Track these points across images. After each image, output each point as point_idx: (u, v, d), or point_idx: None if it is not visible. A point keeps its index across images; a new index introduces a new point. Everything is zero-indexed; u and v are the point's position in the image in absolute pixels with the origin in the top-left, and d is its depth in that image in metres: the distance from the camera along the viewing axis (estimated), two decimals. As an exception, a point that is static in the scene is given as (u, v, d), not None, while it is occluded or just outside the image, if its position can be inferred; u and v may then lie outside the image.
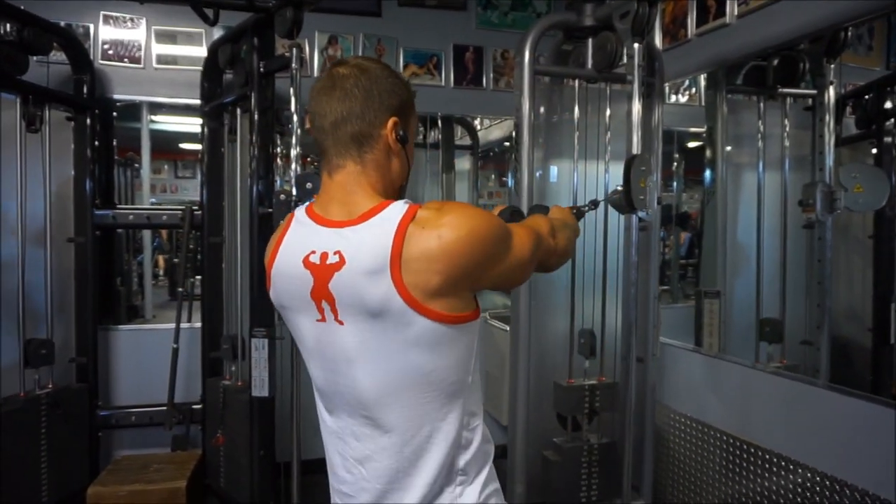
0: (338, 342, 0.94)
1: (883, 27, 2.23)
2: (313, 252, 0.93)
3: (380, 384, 0.93)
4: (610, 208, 2.05)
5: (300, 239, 0.97)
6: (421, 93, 1.06)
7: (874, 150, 2.35)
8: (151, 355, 3.01)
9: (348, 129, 0.94)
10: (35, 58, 2.62)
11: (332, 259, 0.91)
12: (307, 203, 1.02)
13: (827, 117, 2.21)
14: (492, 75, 3.44)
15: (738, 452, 2.18)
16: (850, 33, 2.16)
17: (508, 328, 2.59)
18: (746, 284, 2.53)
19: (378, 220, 0.90)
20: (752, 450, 2.12)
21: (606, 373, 2.45)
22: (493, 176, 5.16)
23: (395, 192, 1.01)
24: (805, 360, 2.32)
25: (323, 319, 0.94)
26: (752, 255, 2.52)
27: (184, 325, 2.94)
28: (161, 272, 5.66)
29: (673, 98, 2.95)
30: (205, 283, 2.95)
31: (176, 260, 5.47)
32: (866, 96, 2.35)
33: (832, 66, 2.19)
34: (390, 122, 0.96)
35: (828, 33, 2.11)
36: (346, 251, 0.90)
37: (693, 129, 3.09)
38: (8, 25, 2.45)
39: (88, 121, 2.86)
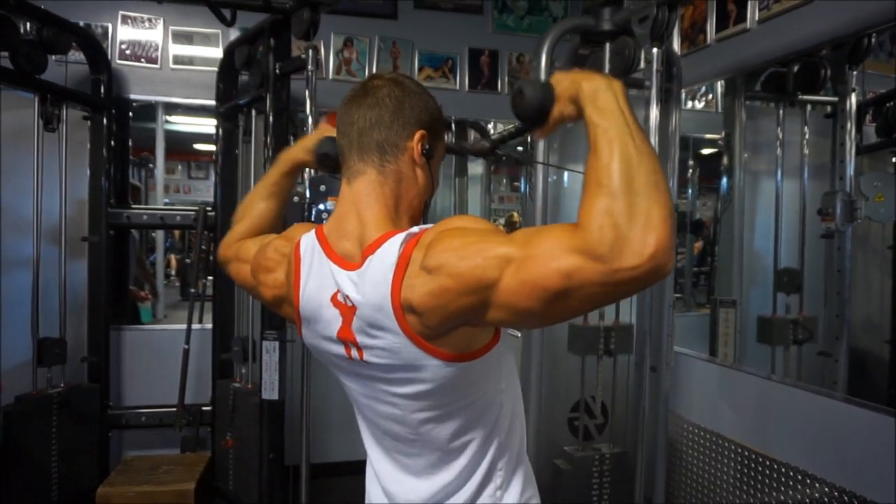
0: (368, 377, 0.94)
1: (904, 34, 2.20)
2: (338, 291, 0.90)
3: (410, 418, 0.93)
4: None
5: (321, 276, 0.92)
6: (436, 96, 1.03)
7: (895, 159, 2.32)
8: (162, 356, 3.01)
9: (374, 136, 0.91)
10: (54, 57, 2.64)
11: (350, 302, 0.88)
12: (315, 227, 0.97)
13: (848, 125, 2.18)
14: (507, 79, 3.42)
15: (752, 465, 2.14)
16: (873, 39, 2.13)
17: (519, 334, 2.57)
18: (762, 294, 2.50)
19: (377, 260, 0.84)
20: (768, 462, 2.08)
21: (619, 379, 2.42)
22: (504, 181, 5.14)
23: (417, 208, 0.96)
24: (822, 371, 2.29)
25: (350, 358, 0.93)
26: (768, 264, 2.48)
27: (195, 326, 2.94)
28: (173, 272, 5.69)
29: (689, 104, 2.92)
30: (217, 284, 2.95)
31: (188, 260, 5.50)
32: (888, 104, 2.32)
33: (854, 72, 2.16)
34: (417, 135, 0.93)
35: (851, 40, 2.08)
36: (356, 298, 0.87)
37: (708, 136, 3.06)
38: (28, 24, 2.47)
39: (105, 120, 2.88)
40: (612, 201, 0.66)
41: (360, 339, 0.89)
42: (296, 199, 2.24)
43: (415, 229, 0.86)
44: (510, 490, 0.97)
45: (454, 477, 0.95)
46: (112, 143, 2.92)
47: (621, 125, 0.73)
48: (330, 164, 1.13)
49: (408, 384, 0.89)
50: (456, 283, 0.75)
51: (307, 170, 2.24)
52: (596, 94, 0.78)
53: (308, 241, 0.96)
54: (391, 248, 0.83)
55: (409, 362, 0.85)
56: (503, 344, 0.92)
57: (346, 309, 0.89)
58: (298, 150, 1.20)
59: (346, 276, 0.88)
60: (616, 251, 0.64)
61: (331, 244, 0.92)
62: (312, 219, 2.20)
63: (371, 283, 0.84)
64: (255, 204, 1.24)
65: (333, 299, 0.90)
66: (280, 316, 2.36)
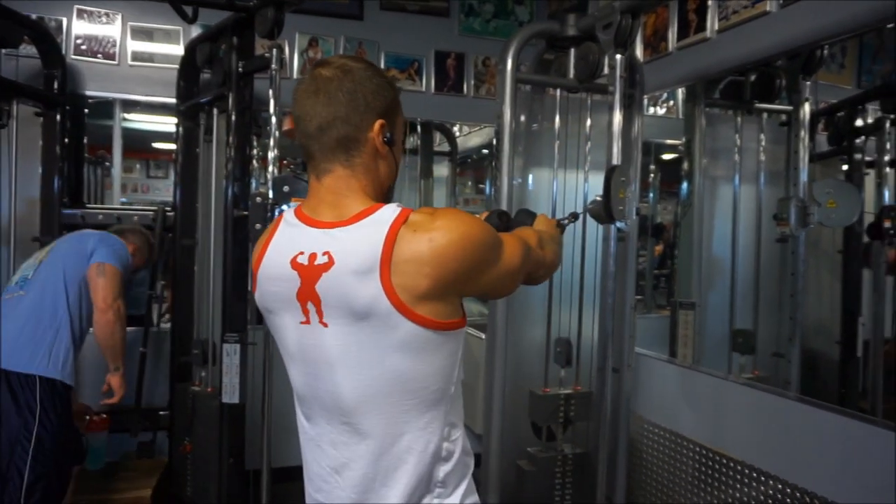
0: (320, 345, 0.93)
1: (855, 46, 2.29)
2: (301, 253, 0.92)
3: (360, 389, 0.91)
4: (588, 218, 2.05)
5: (288, 240, 0.96)
6: (401, 98, 1.04)
7: (845, 167, 2.40)
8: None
9: (334, 134, 0.92)
10: (4, 51, 2.55)
11: (321, 259, 0.90)
12: (295, 205, 1.01)
13: (802, 133, 2.25)
14: (473, 82, 3.44)
15: (710, 463, 2.19)
16: (825, 51, 2.21)
17: (483, 336, 2.58)
18: (721, 296, 2.56)
19: (369, 221, 0.89)
20: (725, 461, 2.13)
21: (582, 382, 2.45)
22: (469, 183, 5.16)
23: (383, 193, 1.00)
24: (776, 371, 2.36)
25: (307, 322, 0.93)
26: (726, 267, 2.55)
27: (152, 328, 2.87)
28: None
29: (651, 110, 2.98)
30: (176, 285, 2.88)
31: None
32: (838, 113, 2.41)
33: (808, 83, 2.23)
34: (377, 125, 0.94)
35: (804, 51, 2.15)
36: (336, 252, 0.89)
37: (669, 141, 3.13)
38: (-24, 16, 2.38)
39: (58, 117, 2.78)
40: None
41: (326, 298, 0.90)
42: (258, 199, 2.21)
43: (397, 207, 0.92)
44: (454, 492, 0.97)
45: (391, 472, 0.93)
46: (66, 140, 2.82)
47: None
48: None
49: (367, 348, 0.89)
50: (456, 250, 0.88)
51: (270, 170, 2.23)
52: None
53: (289, 213, 1.00)
54: (386, 213, 0.90)
55: (380, 320, 0.87)
56: (462, 334, 0.96)
57: (313, 269, 0.90)
58: None
59: (327, 232, 0.91)
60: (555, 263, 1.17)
61: (308, 215, 0.96)
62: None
63: (363, 235, 0.88)
64: None
65: (293, 262, 0.92)
66: (242, 318, 2.33)
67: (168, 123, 3.11)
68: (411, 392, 0.91)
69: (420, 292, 0.86)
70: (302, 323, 0.93)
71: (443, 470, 0.96)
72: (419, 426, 0.93)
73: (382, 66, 3.32)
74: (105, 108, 3.24)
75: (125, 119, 3.40)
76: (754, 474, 2.02)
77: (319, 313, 0.91)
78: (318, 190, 0.95)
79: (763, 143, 2.50)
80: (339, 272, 0.88)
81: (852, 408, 1.91)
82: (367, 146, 0.94)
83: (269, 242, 0.99)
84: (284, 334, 0.98)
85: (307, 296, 0.91)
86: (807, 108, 2.25)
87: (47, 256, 2.26)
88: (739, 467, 2.07)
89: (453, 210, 0.92)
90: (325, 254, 0.89)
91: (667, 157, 3.27)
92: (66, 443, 2.16)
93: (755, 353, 2.40)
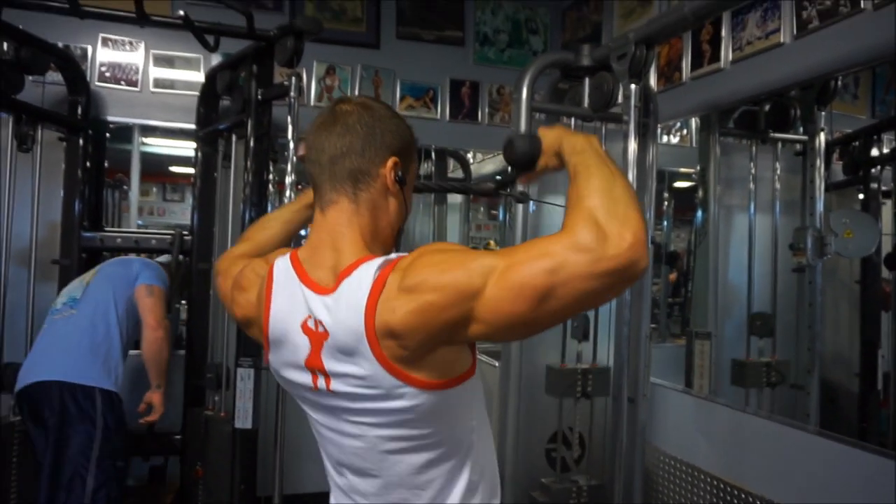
0: (333, 409, 0.92)
1: (868, 77, 2.30)
2: (309, 317, 0.88)
3: (377, 452, 0.91)
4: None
5: (291, 301, 0.91)
6: (416, 125, 1.04)
7: (861, 196, 2.39)
8: (132, 382, 2.93)
9: (346, 165, 0.90)
10: (31, 77, 2.61)
11: (321, 328, 0.87)
12: (290, 251, 0.97)
13: (817, 162, 2.25)
14: (487, 110, 3.47)
15: (727, 497, 2.15)
16: (839, 82, 2.21)
17: (497, 364, 2.56)
18: (737, 326, 2.54)
19: (352, 284, 0.84)
20: (742, 495, 2.09)
21: (597, 416, 2.42)
22: (482, 209, 5.18)
23: (390, 235, 0.96)
24: (795, 403, 2.32)
25: (315, 388, 0.91)
26: (742, 297, 2.53)
27: (167, 351, 2.87)
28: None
29: (664, 138, 2.99)
30: (191, 309, 2.90)
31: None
32: (854, 143, 2.41)
33: (823, 113, 2.24)
34: (390, 162, 0.92)
35: (819, 82, 2.16)
36: (328, 324, 0.86)
37: (683, 170, 3.13)
38: (5, 44, 2.44)
39: (81, 142, 2.84)
40: (593, 205, 0.75)
41: (330, 366, 0.87)
42: (275, 224, 2.23)
43: (392, 256, 0.86)
44: None
45: None
46: (87, 164, 2.88)
47: (597, 159, 0.85)
48: None
49: (376, 414, 0.87)
50: (439, 296, 0.76)
51: (287, 194, 2.25)
52: (574, 146, 0.92)
53: (282, 264, 0.94)
54: (366, 272, 0.83)
55: (381, 391, 0.84)
56: (477, 379, 0.92)
57: (316, 335, 0.87)
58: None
59: (320, 300, 0.87)
60: (598, 242, 0.71)
61: (306, 270, 0.91)
62: (290, 244, 2.19)
63: (345, 308, 0.83)
64: (266, 226, 1.25)
65: (304, 325, 0.89)
66: (255, 343, 2.34)
67: (184, 147, 3.16)
68: (428, 449, 0.90)
69: (408, 358, 0.81)
70: (311, 389, 0.92)
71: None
72: (441, 474, 0.92)
73: (398, 93, 3.37)
74: (124, 132, 3.31)
75: (143, 143, 3.46)
76: (773, 509, 1.97)
77: (327, 381, 0.89)
78: (320, 226, 0.92)
79: (778, 173, 2.49)
80: (334, 345, 0.85)
81: (873, 442, 1.88)
82: (377, 181, 0.92)
83: (270, 301, 0.93)
84: (301, 394, 0.97)
85: (314, 363, 0.88)
86: (822, 137, 2.25)
87: (94, 278, 2.38)
88: (758, 502, 2.02)
89: (435, 256, 0.81)
90: (320, 323, 0.87)
91: (680, 185, 3.27)
92: (123, 450, 2.29)
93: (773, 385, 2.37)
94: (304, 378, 0.92)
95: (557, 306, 0.73)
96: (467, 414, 0.93)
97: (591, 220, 0.72)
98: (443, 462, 0.91)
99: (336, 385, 0.88)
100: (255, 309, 0.97)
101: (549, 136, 1.01)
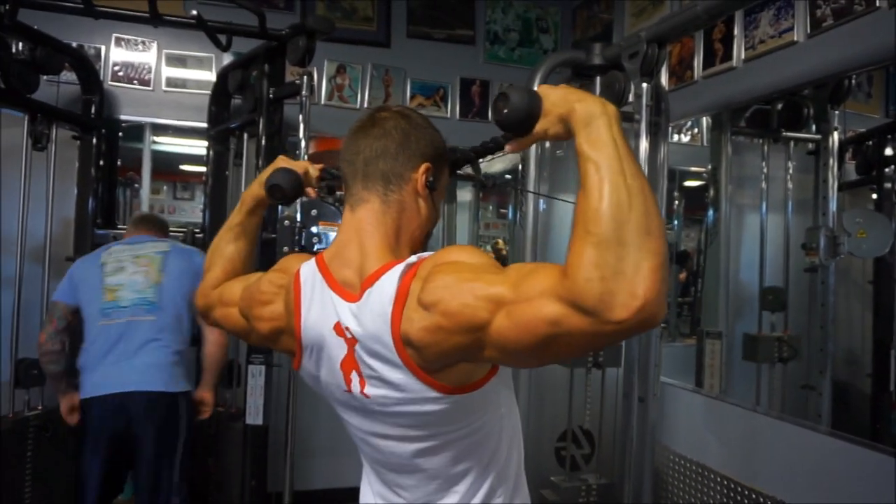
0: (367, 411, 0.93)
1: (882, 76, 2.28)
2: (339, 321, 0.90)
3: (408, 456, 0.93)
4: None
5: (322, 305, 0.92)
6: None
7: (874, 196, 2.37)
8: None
9: (380, 166, 0.92)
10: (45, 77, 2.64)
11: (349, 335, 0.88)
12: (315, 254, 0.98)
13: (830, 162, 2.23)
14: (497, 109, 3.47)
15: (738, 497, 2.14)
16: (853, 81, 2.20)
17: (508, 362, 2.56)
18: (748, 326, 2.52)
19: (377, 293, 0.84)
20: (753, 495, 2.08)
21: (606, 413, 2.42)
22: (491, 207, 5.18)
23: (419, 238, 0.97)
24: (806, 404, 2.31)
25: (349, 391, 0.92)
26: (753, 296, 2.52)
27: (179, 348, 2.89)
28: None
29: (675, 137, 2.98)
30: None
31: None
32: (867, 142, 2.39)
33: (836, 112, 2.22)
34: (422, 167, 0.93)
35: (832, 81, 2.14)
36: (356, 331, 0.87)
37: (693, 169, 3.12)
38: (20, 44, 2.47)
39: (94, 140, 2.87)
40: (599, 253, 0.63)
41: (364, 370, 0.88)
42: (286, 223, 2.24)
43: (413, 259, 0.86)
44: None
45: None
46: (101, 163, 2.90)
47: (614, 160, 0.69)
48: (280, 196, 1.12)
49: (406, 416, 0.88)
50: (448, 322, 0.75)
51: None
52: (590, 119, 0.74)
53: (308, 269, 0.95)
54: (390, 280, 0.83)
55: (412, 394, 0.85)
56: (503, 373, 0.92)
57: (349, 340, 0.88)
58: (255, 185, 1.18)
59: (347, 307, 0.88)
60: (603, 305, 0.62)
61: (332, 272, 0.92)
62: (303, 242, 2.20)
63: (371, 316, 0.84)
64: (224, 248, 1.21)
65: (337, 328, 0.90)
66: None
67: (195, 146, 3.18)
68: (459, 441, 0.91)
69: (434, 363, 0.82)
70: (345, 391, 0.93)
71: (500, 490, 0.96)
72: (474, 475, 0.93)
73: (409, 92, 3.38)
74: (135, 131, 3.33)
75: (154, 142, 3.48)
76: (784, 509, 1.96)
77: (362, 384, 0.90)
78: (349, 224, 0.94)
79: (790, 172, 2.48)
80: (363, 351, 0.87)
81: (885, 443, 1.86)
82: (408, 184, 0.93)
83: (300, 308, 0.94)
84: (330, 394, 0.98)
85: (350, 365, 0.90)
86: (835, 136, 2.24)
87: (163, 278, 2.30)
88: (769, 502, 2.02)
89: (456, 262, 0.80)
90: (348, 329, 0.88)
91: (690, 184, 3.26)
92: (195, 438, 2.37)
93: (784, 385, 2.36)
94: (338, 381, 0.92)
95: (560, 351, 0.69)
96: (496, 403, 0.94)
97: (597, 275, 0.63)
98: (477, 451, 0.93)
99: (370, 389, 0.89)
100: (285, 319, 0.97)
101: (554, 96, 0.81)
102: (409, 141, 0.93)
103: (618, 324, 0.62)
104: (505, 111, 0.82)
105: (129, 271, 2.31)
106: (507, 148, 0.91)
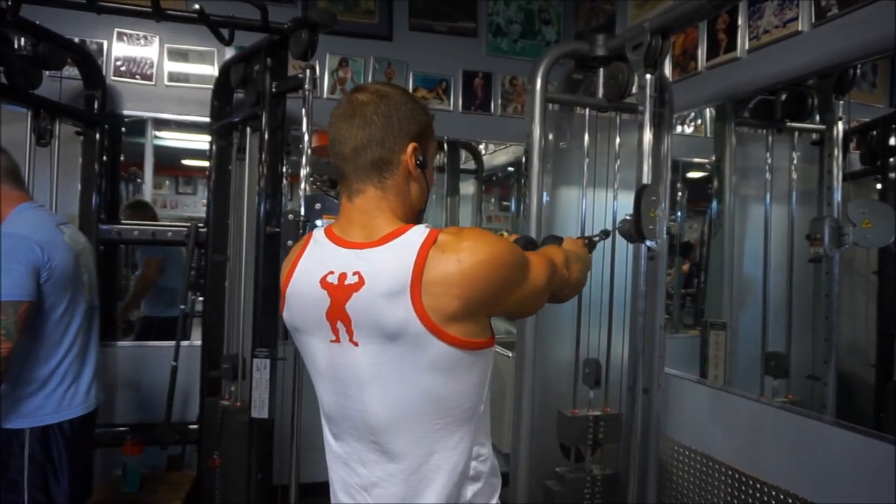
0: (351, 364, 0.94)
1: (887, 66, 2.26)
2: (331, 272, 0.94)
3: (391, 408, 0.92)
4: (618, 237, 2.05)
5: (317, 260, 0.98)
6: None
7: (879, 186, 2.36)
8: (150, 373, 2.97)
9: (369, 156, 0.95)
10: (48, 72, 2.63)
11: (351, 279, 0.91)
12: (326, 224, 1.03)
13: (835, 152, 2.23)
14: (500, 101, 3.46)
15: (742, 487, 2.15)
16: (858, 71, 2.19)
17: (511, 354, 2.57)
18: (752, 317, 2.52)
19: (400, 242, 0.91)
20: (758, 485, 2.09)
21: (611, 403, 2.42)
22: (494, 200, 5.18)
23: (413, 215, 1.02)
24: (811, 394, 2.31)
25: (337, 340, 0.94)
26: (758, 287, 2.51)
27: (183, 343, 2.91)
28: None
29: (678, 128, 2.97)
30: (207, 300, 2.93)
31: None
32: (872, 132, 2.37)
33: (840, 102, 2.21)
34: (410, 148, 0.97)
35: (836, 70, 2.13)
36: (366, 272, 0.90)
37: (697, 160, 3.11)
38: (23, 40, 2.47)
39: (97, 136, 2.87)
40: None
41: (357, 317, 0.91)
42: (290, 216, 2.24)
43: (426, 226, 0.93)
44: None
45: (421, 492, 0.94)
46: (104, 158, 2.90)
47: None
48: None
49: (397, 368, 0.90)
50: (476, 307, 0.91)
51: (302, 187, 2.26)
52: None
53: (318, 232, 1.02)
54: (415, 235, 0.91)
55: (410, 341, 0.88)
56: (491, 355, 0.97)
57: (343, 289, 0.91)
58: None
59: (355, 253, 0.93)
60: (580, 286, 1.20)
61: (339, 235, 0.98)
62: (307, 237, 2.20)
63: (391, 258, 0.89)
64: None
65: (323, 281, 0.94)
66: (272, 333, 2.36)
67: (197, 141, 3.17)
68: (441, 412, 0.92)
69: (450, 313, 0.87)
70: (332, 342, 0.95)
71: (471, 490, 0.96)
72: (448, 446, 0.93)
73: (411, 85, 3.37)
74: (138, 126, 3.33)
75: (156, 137, 3.48)
76: (789, 500, 1.97)
77: (349, 332, 0.92)
78: (349, 210, 0.98)
79: (795, 162, 2.47)
80: (369, 293, 0.89)
81: (889, 432, 1.87)
82: (399, 168, 0.97)
83: (297, 262, 1.01)
84: (314, 353, 1.00)
85: (337, 315, 0.93)
86: (840, 127, 2.23)
87: None
88: (773, 492, 2.02)
89: (479, 230, 0.93)
90: (355, 273, 0.91)
91: (694, 175, 3.25)
92: None
93: (788, 376, 2.36)
94: (323, 331, 0.96)
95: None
96: (482, 382, 0.96)
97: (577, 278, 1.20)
98: (457, 426, 0.94)
99: (360, 336, 0.92)
100: (286, 275, 1.03)
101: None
102: (391, 124, 0.96)
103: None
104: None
105: None
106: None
